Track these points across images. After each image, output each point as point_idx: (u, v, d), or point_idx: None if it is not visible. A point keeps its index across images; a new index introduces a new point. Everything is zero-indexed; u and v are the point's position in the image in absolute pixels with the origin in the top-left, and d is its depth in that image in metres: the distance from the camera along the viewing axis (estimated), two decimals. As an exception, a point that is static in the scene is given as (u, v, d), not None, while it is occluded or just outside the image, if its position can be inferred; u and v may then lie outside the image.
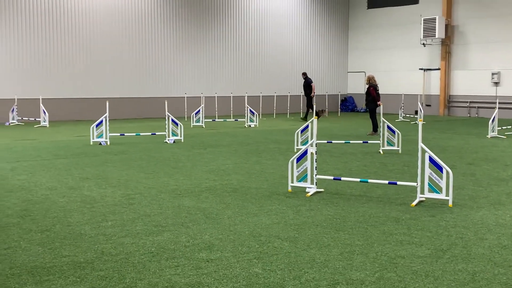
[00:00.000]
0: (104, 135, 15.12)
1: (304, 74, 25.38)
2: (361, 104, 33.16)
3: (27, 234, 6.01)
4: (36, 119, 22.31)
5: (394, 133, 13.51)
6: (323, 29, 33.36)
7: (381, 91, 18.77)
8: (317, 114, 24.38)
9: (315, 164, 8.39)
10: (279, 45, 31.43)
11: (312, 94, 24.62)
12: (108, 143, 14.96)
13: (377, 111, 18.24)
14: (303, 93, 26.49)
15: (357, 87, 33.95)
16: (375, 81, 18.23)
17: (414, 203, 7.63)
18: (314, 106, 24.30)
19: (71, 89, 24.90)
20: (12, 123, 22.08)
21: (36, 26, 23.90)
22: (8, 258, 5.19)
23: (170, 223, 6.53)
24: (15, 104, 22.23)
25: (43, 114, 21.49)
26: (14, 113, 22.24)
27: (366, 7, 33.45)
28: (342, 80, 34.62)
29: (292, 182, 8.50)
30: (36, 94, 23.08)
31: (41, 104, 21.74)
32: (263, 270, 4.89)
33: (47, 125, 21.06)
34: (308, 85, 24.82)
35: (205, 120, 22.21)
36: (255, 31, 30.47)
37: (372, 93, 17.90)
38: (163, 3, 27.21)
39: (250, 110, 21.93)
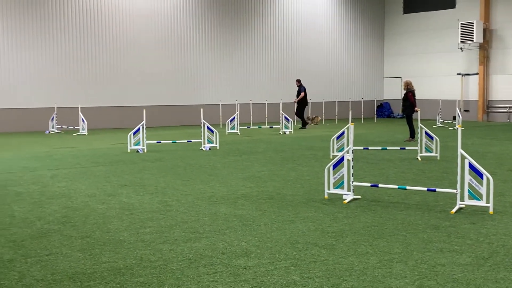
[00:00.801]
0: (141, 142, 15.31)
1: (298, 81, 24.59)
2: (397, 110, 32.81)
3: (67, 240, 6.11)
4: (75, 127, 22.74)
5: (432, 139, 13.32)
6: (359, 35, 33.18)
7: (418, 96, 18.52)
8: (305, 123, 24.00)
9: (351, 171, 8.33)
10: (314, 51, 31.37)
11: (295, 100, 24.16)
12: (145, 150, 15.13)
13: (414, 117, 18.02)
14: (338, 99, 26.36)
15: (393, 93, 33.62)
16: (412, 86, 18.01)
17: (453, 210, 7.50)
18: (307, 114, 24.56)
19: (109, 98, 25.31)
20: (52, 131, 22.54)
21: (75, 37, 24.39)
22: (50, 264, 5.29)
23: (207, 230, 6.56)
24: (55, 112, 22.70)
25: (81, 122, 21.88)
26: (54, 121, 22.70)
27: (402, 12, 33.14)
28: (378, 85, 34.33)
29: (329, 189, 8.45)
30: (75, 103, 23.53)
31: (80, 113, 22.14)
32: (301, 277, 4.86)
33: (86, 133, 21.43)
34: (299, 93, 24.08)
35: (240, 127, 22.29)
36: (290, 37, 30.48)
37: (411, 99, 17.68)
38: (199, 12, 27.47)
39: (285, 116, 21.91)
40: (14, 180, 10.35)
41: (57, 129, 22.73)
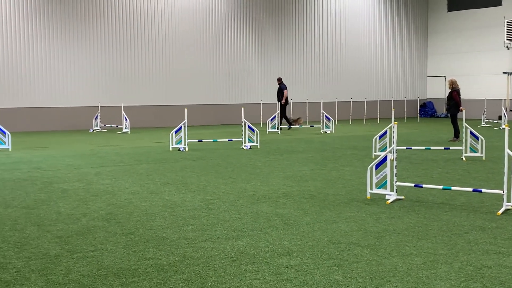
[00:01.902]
0: (182, 141, 15.45)
1: (279, 79, 23.79)
2: (441, 109, 32.25)
3: (112, 237, 6.21)
4: (118, 125, 23.11)
5: (478, 139, 13.03)
6: (402, 33, 32.74)
7: (462, 95, 18.15)
8: (290, 123, 23.33)
9: (395, 171, 8.22)
10: (356, 49, 31.10)
11: (283, 101, 23.10)
12: (187, 149, 15.27)
13: (458, 116, 17.66)
14: (380, 98, 26.03)
15: (437, 92, 33.07)
16: (458, 85, 17.67)
17: (500, 212, 7.32)
18: (291, 115, 23.90)
19: (151, 97, 25.65)
20: (95, 129, 22.97)
21: (119, 38, 24.80)
22: (95, 259, 5.38)
23: (248, 229, 6.57)
24: (99, 111, 23.12)
25: (124, 121, 22.23)
26: (98, 120, 23.13)
27: (446, 10, 32.55)
28: (421, 84, 33.81)
29: (371, 189, 8.36)
30: (118, 102, 23.91)
31: (122, 112, 22.50)
32: (344, 277, 4.82)
33: (129, 132, 21.76)
34: (281, 91, 23.24)
35: (281, 126, 22.26)
36: (331, 36, 30.30)
37: (455, 98, 17.34)
38: (240, 11, 27.57)
39: (326, 116, 21.80)
40: (59, 177, 10.58)
41: (100, 127, 23.14)
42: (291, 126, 23.53)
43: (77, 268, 5.13)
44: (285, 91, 23.02)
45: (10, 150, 15.47)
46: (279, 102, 23.07)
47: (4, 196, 8.70)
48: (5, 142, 15.76)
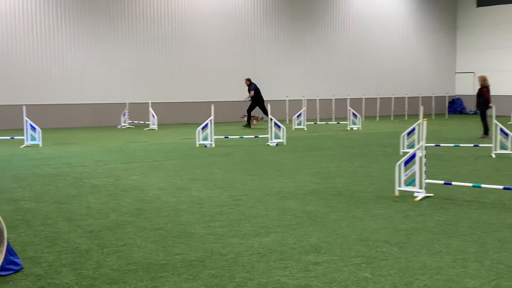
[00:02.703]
0: (209, 137, 15.52)
1: (248, 80, 22.89)
2: (470, 106, 31.80)
3: (141, 232, 6.28)
4: (146, 122, 23.30)
5: (508, 136, 12.83)
6: (430, 29, 32.34)
7: (492, 92, 17.87)
8: (250, 122, 22.35)
9: (423, 168, 8.14)
10: (383, 45, 30.83)
11: (248, 97, 22.56)
12: (213, 145, 15.33)
13: (488, 113, 17.39)
14: (408, 95, 25.74)
15: (466, 88, 32.57)
16: (488, 82, 17.41)
17: (532, 210, 7.21)
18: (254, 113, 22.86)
19: (178, 93, 25.81)
20: (123, 126, 23.19)
21: (144, 35, 25.00)
22: (125, 254, 5.45)
23: (276, 225, 6.58)
24: (126, 108, 23.34)
25: (152, 117, 22.40)
26: (126, 116, 23.35)
27: (476, 5, 32.04)
28: (450, 81, 33.36)
29: (399, 186, 8.29)
30: (146, 98, 24.10)
31: (150, 108, 22.67)
32: (373, 275, 4.80)
33: (156, 128, 21.92)
34: (249, 92, 22.50)
35: (307, 123, 22.21)
36: (358, 32, 30.09)
37: (485, 95, 17.10)
38: (267, 8, 27.54)
39: (352, 112, 21.66)
40: (89, 173, 10.73)
41: (128, 124, 23.36)
42: (250, 126, 22.44)
43: (107, 262, 5.20)
44: (251, 92, 22.32)
45: (40, 146, 15.71)
46: (250, 99, 22.45)
47: (36, 191, 8.85)
48: (35, 138, 16.02)
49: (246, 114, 23.03)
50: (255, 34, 27.39)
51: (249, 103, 22.65)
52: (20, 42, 23.11)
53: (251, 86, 22.62)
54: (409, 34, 31.68)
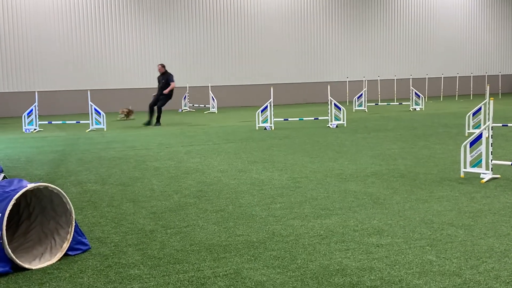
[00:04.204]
0: (268, 120, 15.53)
1: (162, 66, 18.38)
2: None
3: (203, 214, 6.36)
4: (206, 105, 23.55)
5: None
6: (494, 4, 31.08)
7: None
8: (152, 119, 17.83)
9: (490, 149, 7.87)
10: (447, 22, 29.91)
11: (166, 91, 17.87)
12: (273, 128, 15.33)
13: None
14: (473, 73, 24.85)
15: (535, 66, 31.28)
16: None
17: None
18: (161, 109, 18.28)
19: (237, 76, 25.91)
20: (184, 109, 23.53)
21: (204, 19, 25.17)
22: (188, 235, 5.54)
23: (337, 207, 6.52)
24: (187, 92, 23.66)
25: (212, 101, 22.62)
26: (186, 100, 23.68)
27: (546, -22, 30.59)
28: (517, 58, 32.09)
29: (465, 168, 8.06)
30: (206, 82, 24.34)
31: (210, 92, 22.89)
32: (437, 257, 4.69)
33: (216, 111, 22.13)
34: (166, 82, 18.00)
35: (368, 104, 21.87)
36: (421, 9, 29.28)
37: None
38: (325, -12, 27.20)
39: (415, 92, 21.19)
40: (152, 156, 10.95)
41: (189, 107, 23.68)
42: (150, 123, 17.96)
43: (171, 243, 5.29)
44: (172, 83, 17.95)
45: (105, 129, 16.15)
46: (161, 93, 18.04)
47: (101, 174, 9.11)
48: (100, 122, 16.47)
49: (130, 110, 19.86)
50: (314, 15, 27.09)
51: (157, 96, 18.17)
52: (84, 32, 23.74)
53: (170, 76, 18.17)
54: (474, 9, 30.58)
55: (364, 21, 28.06)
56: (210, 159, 10.36)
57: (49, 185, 4.92)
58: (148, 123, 17.83)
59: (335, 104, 15.87)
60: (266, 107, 15.62)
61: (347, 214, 6.21)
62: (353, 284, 4.17)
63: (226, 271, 4.51)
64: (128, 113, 20.34)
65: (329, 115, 15.88)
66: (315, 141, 12.67)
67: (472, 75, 28.48)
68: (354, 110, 20.97)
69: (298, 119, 17.04)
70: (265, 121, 15.62)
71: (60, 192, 4.97)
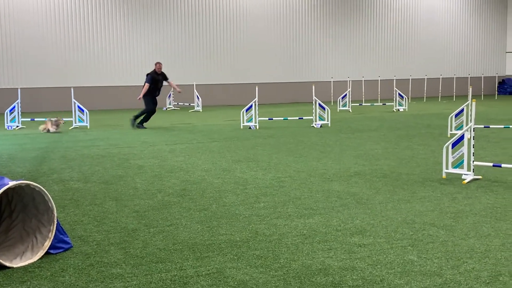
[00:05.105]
0: (253, 119, 15.54)
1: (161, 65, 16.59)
2: (520, 86, 30.86)
3: (186, 213, 6.36)
4: (191, 104, 23.50)
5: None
6: (479, 6, 31.38)
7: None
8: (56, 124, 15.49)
9: (472, 150, 7.95)
10: (430, 24, 30.14)
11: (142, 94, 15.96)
12: (257, 127, 15.35)
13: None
14: (456, 75, 25.05)
15: (517, 68, 31.60)
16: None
17: None
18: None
19: (222, 75, 25.88)
20: (169, 108, 23.46)
21: (189, 17, 25.10)
22: (171, 234, 5.53)
23: (320, 207, 6.55)
24: (172, 90, 23.58)
25: (196, 99, 22.57)
26: (171, 98, 23.61)
27: (528, -19, 30.94)
28: (500, 60, 32.39)
29: (447, 168, 8.13)
30: (191, 80, 24.28)
31: (195, 90, 22.84)
32: (419, 257, 4.74)
33: (201, 110, 22.09)
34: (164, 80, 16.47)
35: (352, 104, 21.97)
36: (405, 10, 29.47)
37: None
38: (311, -12, 27.26)
39: (399, 93, 21.32)
40: (135, 154, 10.91)
41: (173, 105, 23.61)
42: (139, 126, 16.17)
43: (154, 242, 5.28)
44: (146, 84, 16.01)
45: (88, 127, 16.05)
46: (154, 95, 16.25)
47: (84, 172, 9.05)
48: (83, 120, 16.37)
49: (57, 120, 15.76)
50: (300, 15, 27.15)
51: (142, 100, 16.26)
52: (69, 28, 23.56)
53: (147, 76, 16.23)
54: (457, 12, 30.85)
55: (349, 22, 28.17)
56: (194, 158, 10.34)
57: (31, 183, 4.88)
58: (140, 123, 16.18)
59: (319, 104, 15.92)
60: (251, 106, 15.63)
61: (330, 213, 6.24)
62: (335, 283, 4.20)
63: (208, 270, 4.51)
64: (57, 124, 15.76)
65: (314, 115, 15.93)
66: (299, 140, 12.71)
67: (455, 76, 28.73)
68: (338, 110, 21.06)
69: (282, 118, 17.07)
70: (249, 120, 15.63)
71: (42, 190, 4.94)
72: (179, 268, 4.57)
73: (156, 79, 16.04)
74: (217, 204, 6.74)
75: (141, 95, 15.85)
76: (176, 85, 17.54)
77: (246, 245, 5.13)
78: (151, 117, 16.58)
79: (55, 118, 15.76)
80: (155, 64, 16.31)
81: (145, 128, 15.96)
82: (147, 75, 16.13)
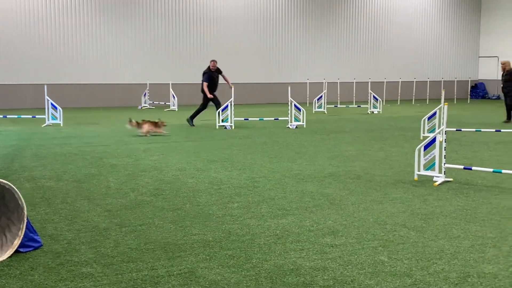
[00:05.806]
0: (229, 119, 15.53)
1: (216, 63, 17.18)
2: (493, 90, 31.35)
3: (159, 212, 6.33)
4: (166, 103, 23.38)
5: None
6: (453, 11, 31.83)
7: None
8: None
9: (443, 153, 8.06)
10: (405, 28, 30.45)
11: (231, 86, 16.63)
12: (233, 127, 15.34)
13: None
14: (429, 78, 25.26)
15: (489, 73, 32.08)
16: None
17: (553, 197, 7.11)
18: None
19: (198, 74, 25.80)
20: (144, 106, 23.30)
21: (166, 15, 24.98)
22: (143, 233, 5.50)
23: (294, 207, 6.59)
24: (147, 88, 23.44)
25: (172, 98, 22.47)
26: (146, 97, 23.46)
27: (501, -12, 31.43)
28: (473, 65, 32.87)
29: (419, 171, 8.23)
30: (166, 79, 24.16)
31: (170, 89, 22.74)
32: (389, 258, 4.79)
33: (176, 109, 21.99)
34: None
35: (327, 106, 22.10)
36: (380, 14, 29.74)
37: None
38: (288, -11, 27.34)
39: (373, 96, 21.50)
40: (109, 153, 10.82)
41: (149, 104, 23.47)
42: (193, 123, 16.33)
43: (126, 241, 5.25)
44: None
45: (61, 125, 15.88)
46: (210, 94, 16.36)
47: (56, 170, 8.95)
48: (56, 117, 16.18)
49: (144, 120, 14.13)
50: (276, 16, 27.20)
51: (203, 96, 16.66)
52: (42, 24, 23.26)
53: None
54: (431, 16, 31.23)
55: (325, 25, 28.32)
56: (168, 157, 10.30)
57: (1, 180, 4.81)
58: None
59: (295, 105, 15.98)
60: (227, 106, 15.62)
61: (303, 214, 6.28)
62: (306, 283, 4.22)
63: (180, 270, 4.50)
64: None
65: (289, 115, 15.98)
66: (274, 141, 12.74)
67: (428, 80, 29.06)
68: (313, 112, 21.16)
69: (258, 119, 17.09)
70: (225, 120, 15.61)
71: (12, 187, 4.87)
72: (150, 267, 4.55)
73: (212, 76, 16.75)
74: (190, 204, 6.72)
75: (208, 94, 16.30)
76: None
77: (218, 245, 5.13)
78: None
79: (157, 120, 14.10)
80: (210, 62, 17.16)
81: (193, 125, 16.18)
82: (204, 73, 16.80)
